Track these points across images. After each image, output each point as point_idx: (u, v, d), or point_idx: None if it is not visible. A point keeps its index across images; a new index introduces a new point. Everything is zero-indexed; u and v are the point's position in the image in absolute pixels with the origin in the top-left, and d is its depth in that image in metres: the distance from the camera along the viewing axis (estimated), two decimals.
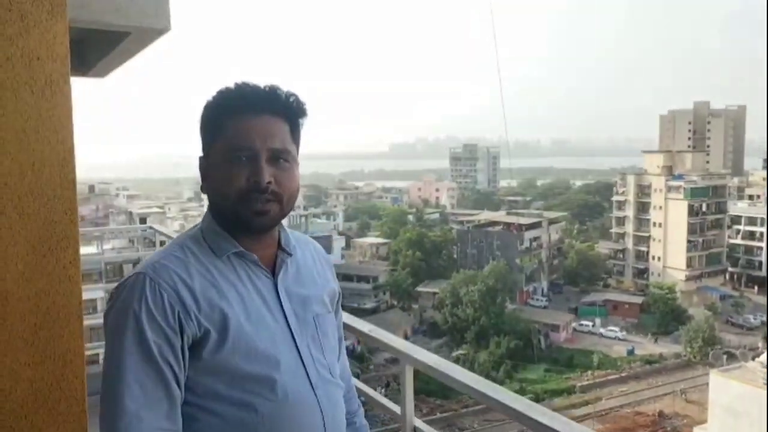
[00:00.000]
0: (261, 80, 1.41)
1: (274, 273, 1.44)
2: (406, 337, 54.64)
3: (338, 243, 65.81)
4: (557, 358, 57.48)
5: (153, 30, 3.62)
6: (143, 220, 45.63)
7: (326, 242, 56.08)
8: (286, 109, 1.41)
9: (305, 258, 1.54)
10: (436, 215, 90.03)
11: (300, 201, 70.01)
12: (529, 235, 70.71)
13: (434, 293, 58.83)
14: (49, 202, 1.79)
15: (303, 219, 55.02)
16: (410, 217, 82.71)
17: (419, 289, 60.88)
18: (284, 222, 1.48)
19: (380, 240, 74.91)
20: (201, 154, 1.44)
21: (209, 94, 1.40)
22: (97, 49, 4.60)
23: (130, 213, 60.45)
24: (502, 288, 58.45)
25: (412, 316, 59.20)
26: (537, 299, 70.62)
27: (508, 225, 72.00)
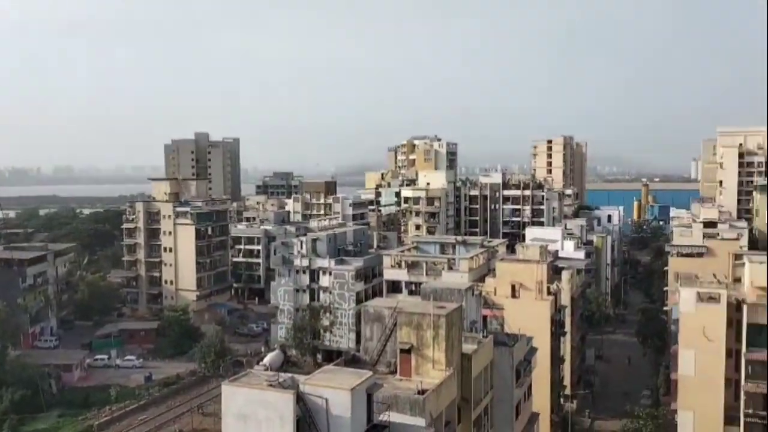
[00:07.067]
0: None
1: None
2: None
3: None
4: (72, 399, 54.47)
5: None
6: None
7: None
8: None
9: None
10: None
11: None
12: (32, 270, 64.98)
13: None
14: None
15: None
16: None
17: None
18: None
19: None
20: None
21: None
22: None
23: None
24: (2, 334, 52.39)
25: None
26: (46, 340, 65.57)
27: (6, 261, 64.73)
